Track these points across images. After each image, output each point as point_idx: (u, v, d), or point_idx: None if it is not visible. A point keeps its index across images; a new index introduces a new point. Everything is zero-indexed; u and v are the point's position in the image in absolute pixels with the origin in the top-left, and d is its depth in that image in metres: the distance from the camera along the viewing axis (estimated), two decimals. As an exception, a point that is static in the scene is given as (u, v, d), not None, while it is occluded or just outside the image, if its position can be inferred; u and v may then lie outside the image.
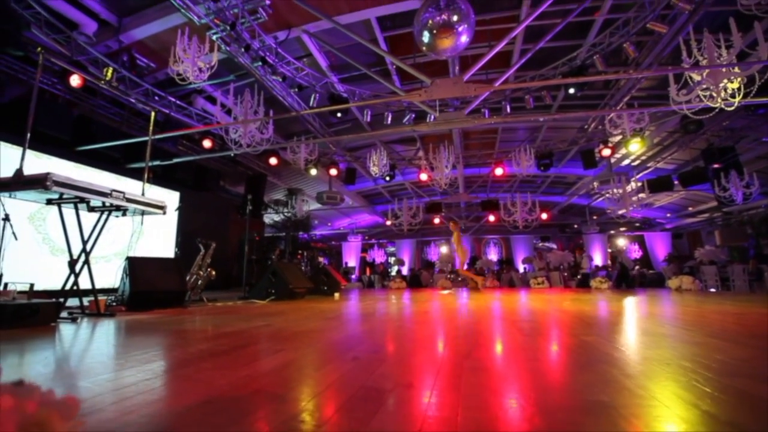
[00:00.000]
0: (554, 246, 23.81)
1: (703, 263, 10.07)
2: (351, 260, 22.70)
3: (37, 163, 6.23)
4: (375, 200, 17.12)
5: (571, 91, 7.07)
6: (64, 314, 2.83)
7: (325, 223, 18.62)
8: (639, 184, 8.90)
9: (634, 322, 2.92)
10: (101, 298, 3.15)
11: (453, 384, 1.12)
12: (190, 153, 8.76)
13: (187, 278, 4.58)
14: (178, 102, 7.63)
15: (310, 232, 14.39)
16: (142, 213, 3.30)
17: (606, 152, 9.01)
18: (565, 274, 11.31)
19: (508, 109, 7.48)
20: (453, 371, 1.27)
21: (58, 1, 5.57)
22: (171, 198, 8.61)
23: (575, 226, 15.98)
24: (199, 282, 4.52)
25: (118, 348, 1.91)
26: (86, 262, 2.88)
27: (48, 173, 2.50)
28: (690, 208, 14.01)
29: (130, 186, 7.71)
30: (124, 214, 3.08)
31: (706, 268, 9.79)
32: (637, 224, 16.85)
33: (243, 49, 6.12)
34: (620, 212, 9.14)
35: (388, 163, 9.56)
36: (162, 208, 3.30)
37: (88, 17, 5.98)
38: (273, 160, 9.94)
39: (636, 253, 19.16)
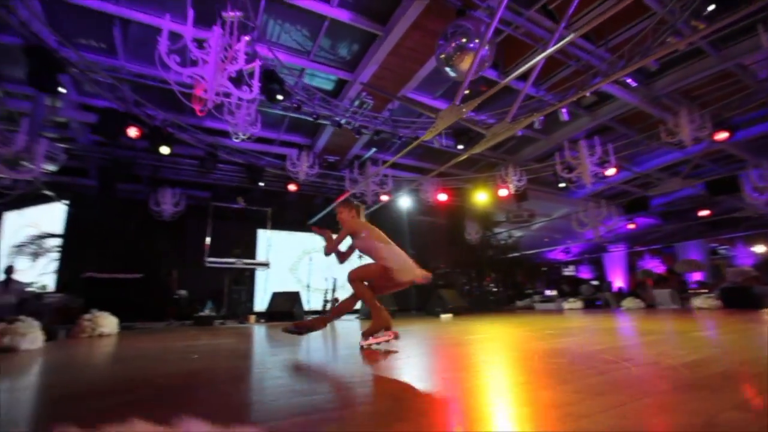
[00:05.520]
0: None
1: None
2: (616, 274, 19.22)
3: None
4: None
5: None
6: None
7: (552, 239, 17.28)
8: None
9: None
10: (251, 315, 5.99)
11: None
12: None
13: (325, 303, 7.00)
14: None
15: (522, 252, 14.17)
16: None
17: None
18: None
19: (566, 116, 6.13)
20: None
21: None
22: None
23: None
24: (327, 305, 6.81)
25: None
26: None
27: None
28: None
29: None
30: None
31: None
32: None
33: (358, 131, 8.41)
34: None
35: (524, 179, 8.92)
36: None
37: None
38: (443, 196, 11.41)
39: None
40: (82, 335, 3.88)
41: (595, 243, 19.44)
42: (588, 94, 6.58)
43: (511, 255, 13.39)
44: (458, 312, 6.88)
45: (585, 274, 20.99)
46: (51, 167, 5.84)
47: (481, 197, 10.97)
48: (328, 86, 8.69)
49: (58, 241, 7.62)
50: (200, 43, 3.83)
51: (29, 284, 6.66)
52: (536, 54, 6.76)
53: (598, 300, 11.00)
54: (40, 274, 7.33)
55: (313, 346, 3.10)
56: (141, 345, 3.22)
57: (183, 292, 7.14)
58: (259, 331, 4.44)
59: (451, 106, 5.08)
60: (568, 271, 22.53)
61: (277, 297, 6.50)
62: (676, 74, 8.34)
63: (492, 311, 8.20)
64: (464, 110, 4.83)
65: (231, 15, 4.66)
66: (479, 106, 9.57)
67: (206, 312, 5.76)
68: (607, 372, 1.51)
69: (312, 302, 6.67)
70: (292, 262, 10.48)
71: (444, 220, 13.67)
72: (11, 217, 8.44)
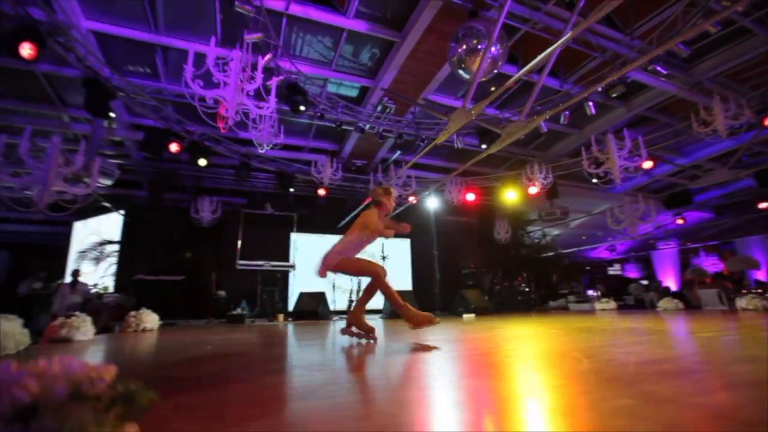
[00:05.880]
0: None
1: None
2: (667, 273, 17.96)
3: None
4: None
5: None
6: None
7: (593, 236, 16.47)
8: None
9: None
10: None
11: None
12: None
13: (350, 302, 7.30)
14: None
15: (559, 251, 13.69)
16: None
17: None
18: None
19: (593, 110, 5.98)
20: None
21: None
22: (403, 244, 11.96)
23: None
24: (352, 306, 7.07)
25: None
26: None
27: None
28: None
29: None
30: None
31: None
32: None
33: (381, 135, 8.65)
34: None
35: (551, 176, 8.67)
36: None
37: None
38: (471, 196, 11.34)
39: None
40: (129, 330, 4.43)
41: (642, 240, 18.29)
42: (600, 88, 6.34)
43: (547, 254, 12.98)
44: (481, 312, 6.88)
45: (632, 273, 19.78)
46: (106, 182, 6.61)
47: (510, 195, 10.78)
48: (353, 93, 8.99)
49: (116, 247, 8.58)
50: (223, 67, 4.23)
51: (93, 286, 7.55)
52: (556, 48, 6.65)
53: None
54: (102, 276, 8.31)
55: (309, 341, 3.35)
56: (172, 338, 3.65)
57: (222, 293, 7.74)
58: (281, 328, 4.79)
59: (461, 109, 5.15)
60: (614, 270, 21.35)
61: (303, 297, 6.90)
62: (719, 57, 7.80)
63: (519, 311, 8.07)
64: (473, 112, 4.89)
65: (251, 37, 5.07)
66: (503, 103, 9.52)
67: (238, 311, 6.26)
68: (556, 367, 1.60)
69: (338, 302, 7.00)
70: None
71: (475, 220, 13.54)
72: (78, 226, 9.65)
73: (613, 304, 7.50)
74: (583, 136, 10.64)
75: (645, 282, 16.57)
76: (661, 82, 7.91)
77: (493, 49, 5.50)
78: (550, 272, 12.14)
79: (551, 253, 12.81)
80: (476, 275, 9.11)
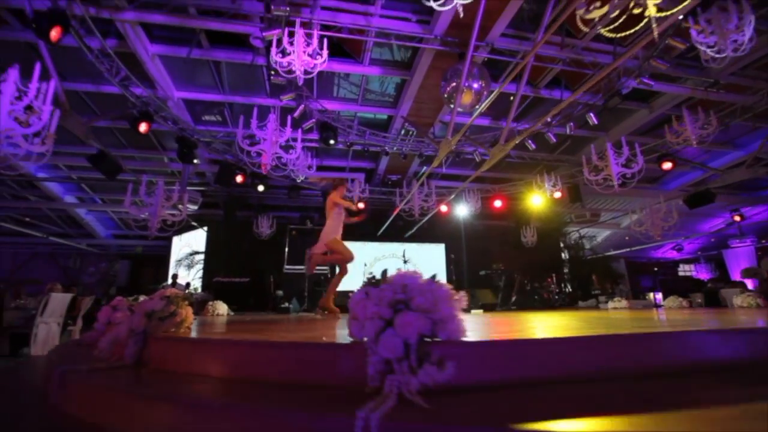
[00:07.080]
0: None
1: None
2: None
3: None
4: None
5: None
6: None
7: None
8: None
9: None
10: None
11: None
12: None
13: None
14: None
15: (595, 254, 13.64)
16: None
17: None
18: None
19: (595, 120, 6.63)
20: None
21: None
22: (438, 249, 13.07)
23: None
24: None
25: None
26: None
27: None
28: None
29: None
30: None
31: None
32: None
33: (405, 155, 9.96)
34: None
35: (559, 181, 9.16)
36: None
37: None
38: (498, 203, 12.08)
39: None
40: (207, 315, 6.31)
41: (710, 238, 17.00)
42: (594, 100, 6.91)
43: (586, 256, 13.09)
44: (489, 308, 7.79)
45: (703, 273, 18.32)
46: (193, 207, 8.83)
47: (535, 201, 11.33)
48: (384, 117, 10.43)
49: (202, 256, 11.00)
50: (262, 126, 5.95)
51: (186, 286, 9.92)
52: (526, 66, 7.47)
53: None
54: (192, 279, 10.75)
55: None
56: (231, 318, 5.35)
57: (279, 292, 9.61)
58: (310, 317, 6.32)
59: (445, 140, 6.26)
60: (684, 271, 19.92)
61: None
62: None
63: (535, 308, 8.70)
64: (452, 143, 5.98)
65: (285, 97, 6.78)
66: (519, 115, 10.26)
67: (285, 305, 7.98)
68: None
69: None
70: (365, 268, 12.43)
71: (512, 224, 14.11)
72: (176, 240, 12.45)
73: (624, 303, 7.82)
74: (609, 138, 10.83)
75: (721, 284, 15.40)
76: (669, 86, 8.14)
77: (475, 85, 6.57)
78: (587, 273, 12.28)
79: (590, 255, 12.89)
80: (492, 276, 9.87)
